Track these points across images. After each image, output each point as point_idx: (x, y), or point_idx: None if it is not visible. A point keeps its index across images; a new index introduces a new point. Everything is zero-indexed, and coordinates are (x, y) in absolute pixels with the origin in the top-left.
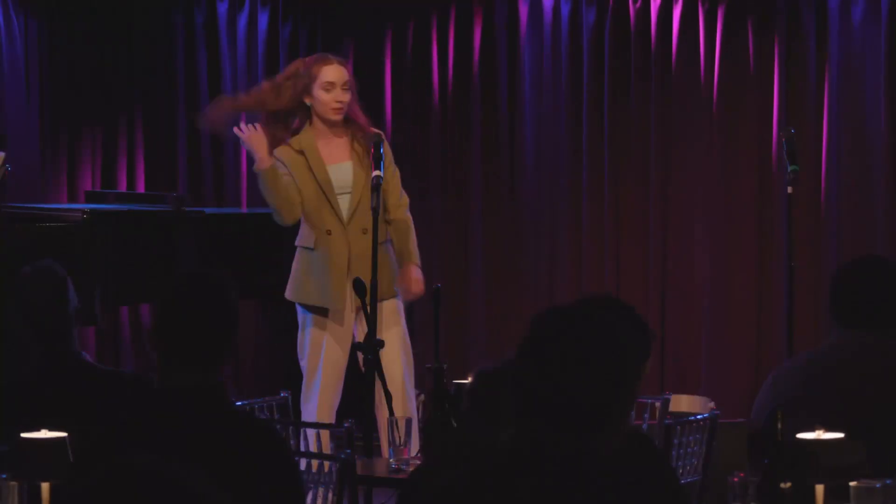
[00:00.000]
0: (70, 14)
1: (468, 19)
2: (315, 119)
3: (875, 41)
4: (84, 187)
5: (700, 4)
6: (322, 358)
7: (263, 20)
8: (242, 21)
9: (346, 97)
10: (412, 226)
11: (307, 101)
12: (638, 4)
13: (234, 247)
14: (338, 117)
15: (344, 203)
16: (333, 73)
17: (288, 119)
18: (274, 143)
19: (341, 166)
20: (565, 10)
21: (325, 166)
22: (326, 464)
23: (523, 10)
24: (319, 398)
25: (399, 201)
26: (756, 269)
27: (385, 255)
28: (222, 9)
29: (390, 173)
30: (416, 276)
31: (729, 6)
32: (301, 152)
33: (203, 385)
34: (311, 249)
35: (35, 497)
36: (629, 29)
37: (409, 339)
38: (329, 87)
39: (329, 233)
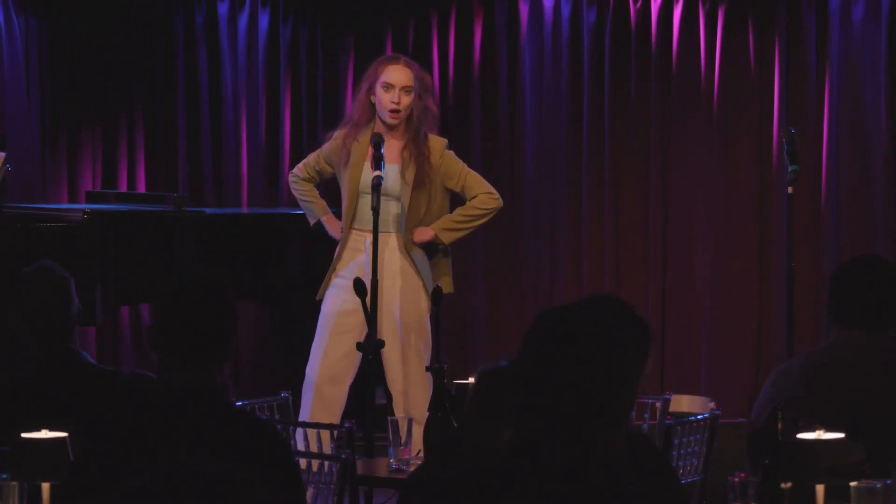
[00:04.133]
0: (70, 14)
1: (468, 19)
2: (377, 117)
3: (875, 41)
4: (84, 187)
5: (700, 4)
6: (322, 352)
7: (264, 20)
8: (242, 21)
9: (406, 100)
10: (472, 207)
11: (371, 99)
12: (638, 4)
13: (234, 247)
14: (393, 120)
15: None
16: (394, 73)
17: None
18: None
19: (384, 168)
20: (565, 10)
21: (364, 162)
22: (326, 464)
23: (523, 10)
24: (314, 395)
25: (478, 191)
26: (756, 269)
27: (414, 262)
28: (222, 9)
29: (454, 181)
30: (420, 230)
31: (729, 6)
32: (357, 141)
33: (203, 385)
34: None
35: (35, 497)
36: (629, 29)
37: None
38: (388, 87)
39: (342, 230)
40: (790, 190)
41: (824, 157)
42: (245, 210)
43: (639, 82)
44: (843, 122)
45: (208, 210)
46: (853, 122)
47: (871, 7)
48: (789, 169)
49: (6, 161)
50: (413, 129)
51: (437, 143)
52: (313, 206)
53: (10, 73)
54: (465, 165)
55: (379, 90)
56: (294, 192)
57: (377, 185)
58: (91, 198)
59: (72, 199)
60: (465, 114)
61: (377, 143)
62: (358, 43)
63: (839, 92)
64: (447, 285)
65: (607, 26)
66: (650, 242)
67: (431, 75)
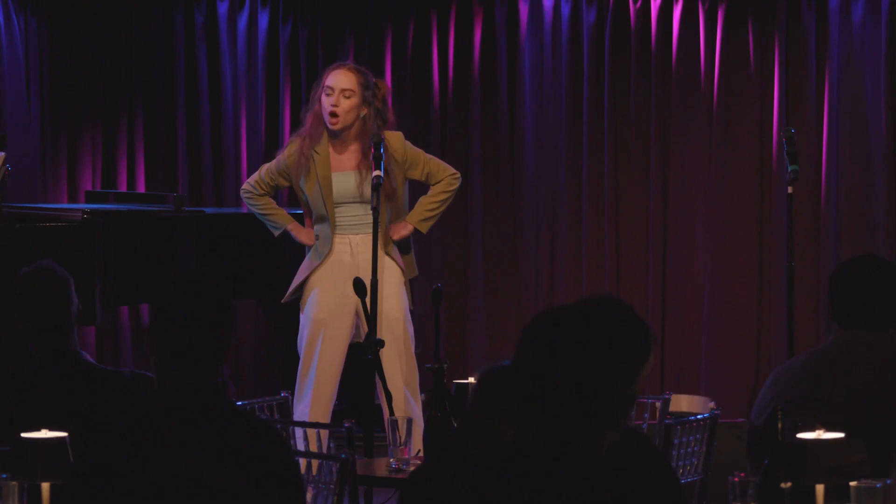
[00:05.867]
0: (70, 14)
1: (468, 19)
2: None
3: (875, 41)
4: (84, 187)
5: (700, 4)
6: (316, 357)
7: (263, 20)
8: (242, 21)
9: (346, 104)
10: (440, 192)
11: (318, 109)
12: (638, 4)
13: (234, 247)
14: (331, 123)
15: (349, 211)
16: (333, 77)
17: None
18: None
19: (346, 175)
20: (565, 10)
21: (331, 173)
22: (326, 464)
23: (523, 10)
24: (312, 398)
25: (441, 175)
26: (756, 269)
27: (394, 259)
28: (222, 9)
29: (419, 171)
30: (396, 226)
31: (729, 6)
32: (316, 153)
33: (203, 385)
34: (310, 248)
35: (35, 497)
36: (629, 29)
37: (413, 343)
38: (328, 91)
39: (317, 237)
40: (790, 190)
41: (824, 157)
42: (245, 210)
43: (639, 82)
44: (843, 122)
45: (208, 210)
46: (853, 122)
47: (871, 7)
48: (789, 169)
49: (6, 161)
50: (368, 138)
51: (395, 139)
52: (276, 218)
53: (10, 73)
54: (423, 152)
55: (322, 96)
56: (251, 209)
57: (377, 184)
58: (91, 198)
59: (72, 199)
60: (465, 114)
61: (377, 142)
62: (358, 43)
63: (839, 92)
64: (414, 270)
65: (607, 26)
66: (650, 242)
67: (431, 75)
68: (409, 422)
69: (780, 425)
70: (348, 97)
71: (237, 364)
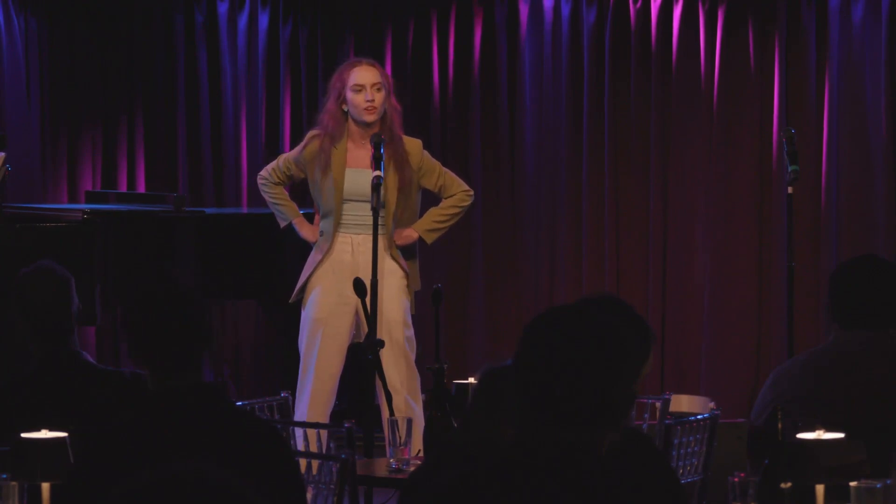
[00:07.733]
0: (70, 14)
1: (468, 19)
2: (350, 122)
3: (875, 41)
4: (84, 187)
5: (700, 4)
6: (315, 356)
7: (263, 20)
8: (242, 21)
9: (379, 97)
10: (451, 206)
11: (344, 108)
12: (638, 4)
13: (234, 247)
14: (371, 117)
15: (356, 210)
16: (361, 74)
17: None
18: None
19: (362, 172)
20: (565, 10)
21: (345, 169)
22: (326, 464)
23: (523, 10)
24: (311, 397)
25: (455, 190)
26: (756, 269)
27: (398, 262)
28: (222, 9)
29: (433, 182)
30: (401, 231)
31: (729, 6)
32: (335, 149)
33: (202, 384)
34: (313, 244)
35: (35, 497)
36: (629, 29)
37: (413, 345)
38: (359, 88)
39: (321, 234)
40: (790, 190)
41: (824, 157)
42: (245, 210)
43: (639, 82)
44: (843, 122)
45: (208, 210)
46: (853, 122)
47: (871, 7)
48: (789, 169)
49: (6, 161)
50: (387, 130)
51: (413, 145)
52: (285, 210)
53: (10, 73)
54: (440, 164)
55: (350, 94)
56: (264, 195)
57: (377, 185)
58: (91, 198)
59: (72, 199)
60: (465, 114)
61: (377, 143)
62: (358, 43)
63: (839, 92)
64: (418, 282)
65: (607, 26)
66: (650, 242)
67: (431, 74)
68: (409, 422)
69: (780, 425)
70: (379, 90)
71: (237, 364)
